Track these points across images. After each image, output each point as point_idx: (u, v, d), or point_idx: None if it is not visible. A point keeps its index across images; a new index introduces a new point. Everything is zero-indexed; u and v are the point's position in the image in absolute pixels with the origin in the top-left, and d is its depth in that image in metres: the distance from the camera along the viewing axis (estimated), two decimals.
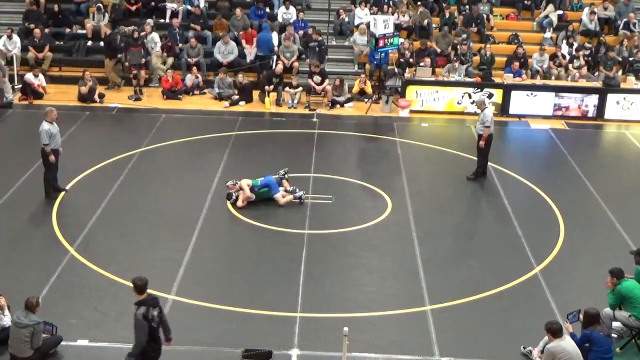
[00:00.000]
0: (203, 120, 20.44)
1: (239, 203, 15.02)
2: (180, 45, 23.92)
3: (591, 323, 10.03)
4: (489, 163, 17.45)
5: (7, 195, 15.34)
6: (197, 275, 12.60)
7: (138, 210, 14.91)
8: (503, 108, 21.69)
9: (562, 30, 25.08)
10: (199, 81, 22.66)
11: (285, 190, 15.35)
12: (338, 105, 21.99)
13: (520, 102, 21.66)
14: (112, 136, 19.19)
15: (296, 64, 23.34)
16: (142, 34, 23.22)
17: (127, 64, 22.62)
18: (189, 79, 22.60)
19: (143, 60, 22.72)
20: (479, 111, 17.07)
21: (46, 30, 23.95)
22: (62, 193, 15.31)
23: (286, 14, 25.14)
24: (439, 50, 23.90)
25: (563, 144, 19.44)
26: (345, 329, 9.75)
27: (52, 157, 14.91)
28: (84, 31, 24.51)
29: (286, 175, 15.70)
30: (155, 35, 23.39)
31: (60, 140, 15.20)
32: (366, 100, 22.11)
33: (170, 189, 15.94)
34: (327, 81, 22.11)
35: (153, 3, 25.50)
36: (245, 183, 15.11)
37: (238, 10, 24.73)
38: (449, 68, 22.49)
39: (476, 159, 17.05)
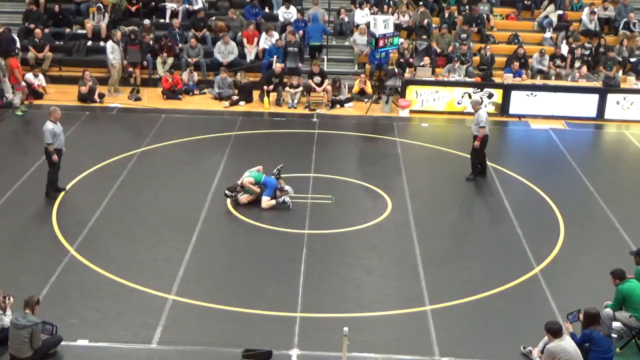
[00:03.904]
0: (203, 120, 20.44)
1: (244, 200, 15.06)
2: (180, 45, 23.93)
3: (591, 323, 10.04)
4: (489, 163, 17.47)
5: (7, 195, 15.34)
6: (197, 275, 12.60)
7: (138, 210, 14.91)
8: (503, 108, 21.69)
9: (562, 30, 25.09)
10: (194, 77, 22.67)
11: (280, 189, 15.33)
12: (338, 105, 22.00)
13: (520, 102, 21.67)
14: (112, 136, 19.18)
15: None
16: (144, 33, 23.33)
17: (125, 62, 22.63)
18: (185, 74, 22.62)
19: (145, 62, 22.81)
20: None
21: (46, 30, 23.95)
22: (62, 193, 15.31)
23: (287, 13, 25.13)
24: (439, 50, 23.91)
25: (563, 144, 19.44)
26: (345, 329, 9.75)
27: (54, 157, 14.91)
28: (84, 31, 24.51)
29: (280, 174, 15.62)
30: (108, 46, 22.31)
31: (63, 140, 15.22)
32: (366, 100, 22.11)
33: (170, 189, 15.94)
34: (327, 81, 22.12)
35: (153, 3, 25.51)
36: (248, 181, 15.09)
37: (231, 12, 24.69)
38: (449, 68, 22.50)
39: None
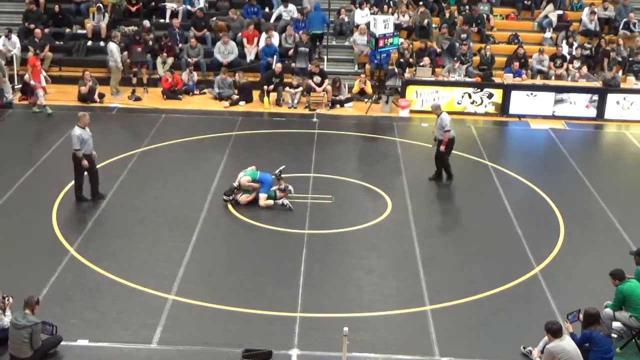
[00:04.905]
0: (203, 120, 20.44)
1: (244, 200, 15.10)
2: (180, 45, 23.93)
3: (591, 323, 10.04)
4: (489, 163, 17.48)
5: (7, 195, 15.33)
6: (197, 275, 12.60)
7: (138, 210, 14.90)
8: (503, 108, 21.68)
9: (562, 30, 25.10)
10: (194, 77, 22.69)
11: (279, 189, 15.34)
12: (338, 105, 22.00)
13: (520, 102, 21.66)
14: (112, 136, 19.16)
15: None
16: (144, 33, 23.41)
17: (129, 60, 22.66)
18: (185, 74, 22.64)
19: (147, 57, 22.92)
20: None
21: (46, 30, 23.96)
22: (64, 191, 15.28)
23: (285, 12, 25.08)
24: (439, 50, 23.91)
25: (563, 144, 19.44)
26: (345, 329, 9.75)
27: (85, 162, 14.65)
28: (84, 31, 24.52)
29: (281, 175, 15.61)
30: (114, 48, 22.25)
31: (92, 145, 14.91)
32: (366, 100, 22.11)
33: (170, 189, 15.94)
34: (327, 81, 22.12)
35: (153, 3, 25.51)
36: (246, 180, 15.09)
37: (232, 12, 24.69)
38: (449, 68, 22.50)
39: (456, 161, 16.72)
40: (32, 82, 20.66)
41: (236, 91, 22.09)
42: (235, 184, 15.16)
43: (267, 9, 25.80)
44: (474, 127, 20.60)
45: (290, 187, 15.38)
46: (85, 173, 14.96)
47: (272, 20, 24.91)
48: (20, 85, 21.98)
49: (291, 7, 25.20)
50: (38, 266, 12.62)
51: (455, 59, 22.80)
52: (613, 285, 11.04)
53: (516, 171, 17.38)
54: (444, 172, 16.62)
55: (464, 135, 19.95)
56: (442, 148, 16.26)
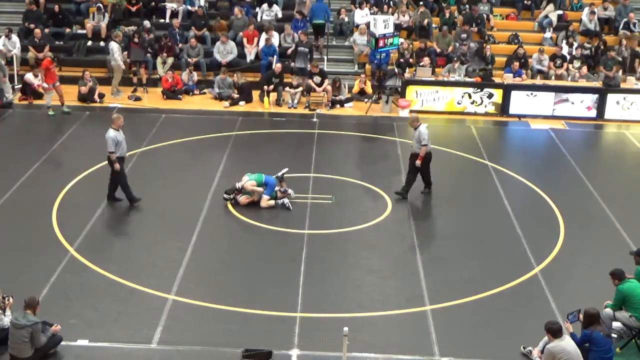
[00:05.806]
0: (203, 120, 20.44)
1: (244, 201, 15.09)
2: (180, 45, 23.94)
3: (591, 323, 10.03)
4: (489, 163, 17.46)
5: (7, 195, 15.33)
6: (197, 275, 12.60)
7: (138, 210, 14.90)
8: (503, 108, 21.68)
9: (562, 30, 25.10)
10: (194, 77, 22.69)
11: (280, 190, 15.34)
12: (338, 105, 22.00)
13: (520, 102, 21.66)
14: None
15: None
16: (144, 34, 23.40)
17: (128, 60, 22.66)
18: (185, 74, 22.64)
19: (148, 57, 22.92)
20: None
21: (46, 30, 23.97)
22: (64, 191, 15.28)
23: (268, 11, 25.06)
24: (439, 50, 23.93)
25: (563, 144, 19.44)
26: (345, 329, 9.75)
27: (117, 165, 14.59)
28: (84, 31, 24.52)
29: (283, 177, 15.60)
30: (115, 48, 22.15)
31: (126, 147, 14.84)
32: (366, 100, 22.12)
33: (170, 189, 15.94)
34: (327, 81, 22.12)
35: (153, 3, 25.51)
36: (251, 184, 15.06)
37: (237, 10, 24.71)
38: (449, 68, 22.51)
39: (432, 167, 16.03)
40: (44, 84, 20.56)
41: (236, 91, 22.09)
42: (239, 186, 15.13)
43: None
44: (474, 127, 20.61)
45: (290, 191, 15.39)
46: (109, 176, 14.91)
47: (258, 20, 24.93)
48: (20, 85, 21.98)
49: (275, 8, 25.14)
50: (38, 266, 12.62)
51: (456, 59, 22.80)
52: (613, 285, 11.04)
53: (516, 171, 17.38)
54: (422, 180, 15.97)
55: (464, 135, 19.98)
56: (418, 163, 15.56)
